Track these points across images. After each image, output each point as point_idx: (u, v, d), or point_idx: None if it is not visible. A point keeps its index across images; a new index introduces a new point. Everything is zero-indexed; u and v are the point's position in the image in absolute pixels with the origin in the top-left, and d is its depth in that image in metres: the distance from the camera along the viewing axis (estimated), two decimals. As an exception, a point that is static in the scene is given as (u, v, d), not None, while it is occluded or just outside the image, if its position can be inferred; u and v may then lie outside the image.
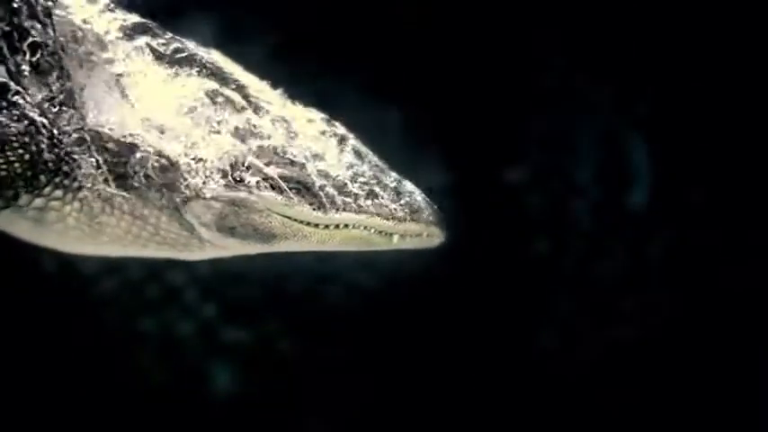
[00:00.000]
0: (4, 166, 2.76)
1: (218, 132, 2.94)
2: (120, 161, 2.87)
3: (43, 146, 2.81)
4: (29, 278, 5.79)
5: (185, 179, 2.89)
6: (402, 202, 3.06)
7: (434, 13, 6.10)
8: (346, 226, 2.98)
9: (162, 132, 2.90)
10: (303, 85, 5.97)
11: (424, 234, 3.08)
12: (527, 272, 6.42)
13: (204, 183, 2.89)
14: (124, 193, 2.89)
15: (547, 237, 6.55)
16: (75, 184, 2.86)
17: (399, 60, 6.08)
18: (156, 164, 2.88)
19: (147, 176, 2.89)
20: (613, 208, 6.59)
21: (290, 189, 2.91)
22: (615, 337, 6.49)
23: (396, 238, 3.04)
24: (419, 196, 3.13)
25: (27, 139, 2.78)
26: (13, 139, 2.77)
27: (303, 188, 2.93)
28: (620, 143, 6.61)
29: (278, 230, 2.94)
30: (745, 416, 6.33)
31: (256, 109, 3.03)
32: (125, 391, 6.08)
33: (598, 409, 6.41)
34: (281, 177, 2.92)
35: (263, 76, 3.30)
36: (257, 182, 2.91)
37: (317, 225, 2.96)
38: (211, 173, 2.89)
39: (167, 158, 2.88)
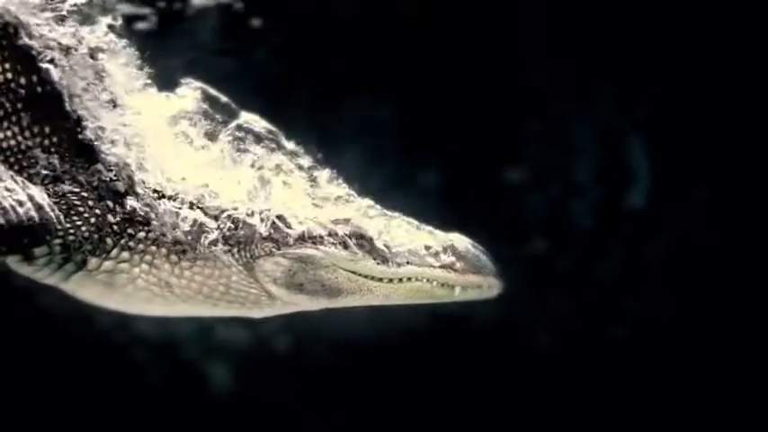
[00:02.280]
0: (71, 231, 2.87)
1: (281, 195, 3.05)
2: (186, 223, 2.97)
3: (109, 210, 2.92)
4: (28, 278, 5.80)
5: (254, 238, 2.98)
6: (461, 254, 3.13)
7: (434, 13, 6.11)
8: (409, 279, 3.07)
9: (226, 194, 3.00)
10: (303, 82, 6.00)
11: (484, 285, 3.16)
12: (526, 271, 6.43)
13: (272, 241, 2.99)
14: (193, 254, 2.98)
15: (546, 236, 6.56)
16: (142, 246, 2.95)
17: (399, 60, 6.08)
18: (223, 225, 2.98)
19: (217, 238, 2.98)
20: (612, 208, 6.60)
21: (354, 245, 3.01)
22: (614, 337, 6.50)
23: (458, 289, 3.12)
24: (475, 249, 3.19)
25: (92, 204, 2.89)
26: (79, 204, 2.88)
27: (367, 243, 3.04)
28: (619, 144, 6.62)
29: (344, 286, 3.03)
30: (746, 416, 6.33)
31: (311, 175, 3.15)
32: (124, 391, 6.08)
33: (597, 408, 6.42)
34: (345, 233, 3.02)
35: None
36: (323, 238, 3.00)
37: (381, 279, 3.05)
38: (278, 231, 2.99)
39: (235, 219, 2.98)
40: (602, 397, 6.41)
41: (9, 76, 2.89)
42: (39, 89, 2.90)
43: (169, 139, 3.03)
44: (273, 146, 3.17)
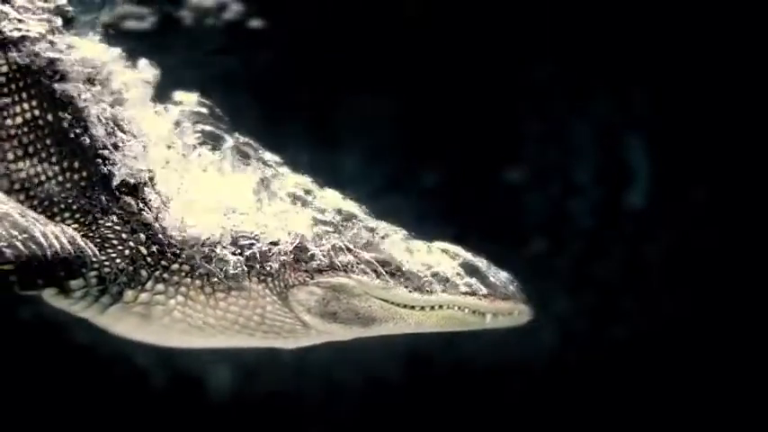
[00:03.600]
0: (106, 263, 2.89)
1: (315, 224, 3.08)
2: (217, 255, 2.99)
3: (141, 242, 2.94)
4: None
5: (287, 268, 3.01)
6: (491, 281, 3.15)
7: (435, 13, 6.11)
8: (441, 307, 3.08)
9: (258, 226, 3.03)
10: (302, 82, 6.00)
11: (515, 312, 3.17)
12: (525, 271, 6.42)
13: (306, 270, 3.01)
14: (226, 285, 3.00)
15: (546, 236, 6.56)
16: (176, 278, 2.98)
17: (399, 60, 6.09)
18: (257, 256, 3.00)
19: (250, 267, 3.00)
20: (612, 208, 6.60)
21: (386, 273, 3.04)
22: (614, 337, 6.50)
23: (489, 317, 3.13)
24: (504, 276, 3.21)
25: (125, 236, 2.93)
26: (112, 236, 2.92)
27: (398, 271, 3.05)
28: (619, 144, 6.63)
29: (377, 314, 3.05)
30: (746, 416, 6.34)
31: (336, 206, 3.18)
32: (124, 395, 6.07)
33: (597, 408, 6.42)
34: (376, 261, 3.04)
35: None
36: (355, 266, 3.03)
37: (413, 307, 3.06)
38: (312, 261, 3.01)
39: (268, 250, 3.01)
40: (602, 397, 6.41)
41: (36, 113, 2.93)
42: (65, 125, 2.94)
43: (189, 168, 3.07)
44: (280, 170, 3.21)
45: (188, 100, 3.20)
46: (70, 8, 3.12)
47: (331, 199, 3.18)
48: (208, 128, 3.19)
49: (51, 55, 2.96)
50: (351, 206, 3.18)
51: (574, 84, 6.42)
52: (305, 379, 6.25)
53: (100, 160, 2.95)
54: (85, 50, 3.05)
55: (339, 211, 3.15)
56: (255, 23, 5.69)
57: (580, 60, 6.34)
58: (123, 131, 3.01)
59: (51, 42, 2.98)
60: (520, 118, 6.50)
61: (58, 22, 3.05)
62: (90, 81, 3.01)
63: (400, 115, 6.19)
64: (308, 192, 3.17)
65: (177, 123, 3.13)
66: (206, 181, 3.06)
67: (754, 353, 6.35)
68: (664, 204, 6.50)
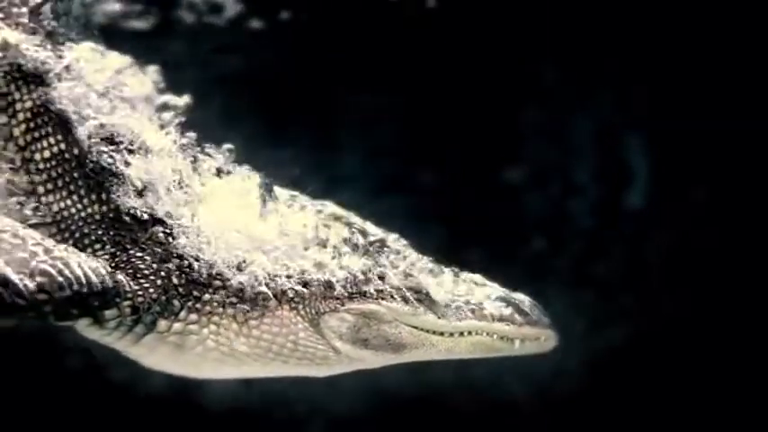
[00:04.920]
0: (139, 293, 2.93)
1: (344, 250, 3.12)
2: (249, 283, 3.02)
3: (173, 272, 2.98)
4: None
5: (318, 295, 3.04)
6: (518, 307, 3.18)
7: (434, 12, 6.11)
8: (470, 333, 3.11)
9: (287, 254, 3.06)
10: (302, 82, 6.00)
11: (542, 338, 3.21)
12: (524, 271, 6.43)
13: (337, 297, 3.05)
14: (259, 313, 3.03)
15: (545, 236, 6.56)
16: (208, 308, 3.01)
17: (398, 59, 6.09)
18: (288, 283, 3.03)
19: (281, 295, 3.03)
20: (611, 208, 6.60)
21: (415, 299, 3.07)
22: (614, 337, 6.50)
23: (517, 342, 3.16)
24: (529, 301, 3.24)
25: (156, 266, 2.96)
26: (143, 267, 2.95)
27: (427, 298, 3.09)
28: (618, 143, 6.63)
29: (407, 340, 3.08)
30: (746, 415, 6.34)
31: (363, 232, 3.21)
32: (122, 399, 6.06)
33: (597, 408, 6.42)
34: (405, 288, 3.07)
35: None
36: (385, 293, 3.06)
37: (442, 333, 3.10)
38: (342, 287, 3.05)
39: (298, 278, 3.04)
40: (602, 397, 6.42)
41: (62, 146, 2.97)
42: (91, 157, 2.98)
43: (214, 195, 3.09)
44: (302, 198, 3.25)
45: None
46: (63, 29, 3.14)
47: (359, 225, 3.22)
48: (220, 153, 3.21)
49: (70, 85, 3.00)
50: (379, 232, 3.22)
51: (574, 83, 6.43)
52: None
53: (127, 191, 2.99)
54: (95, 62, 3.08)
55: (368, 237, 3.18)
56: (255, 24, 5.70)
57: (580, 60, 6.34)
58: (148, 162, 3.04)
59: (68, 69, 3.02)
60: (519, 117, 6.50)
61: (67, 48, 3.08)
62: (112, 111, 3.04)
63: (399, 115, 6.19)
64: (336, 218, 3.20)
65: (186, 146, 3.15)
66: (233, 209, 3.08)
67: (754, 353, 6.36)
68: (663, 204, 6.50)
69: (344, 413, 6.21)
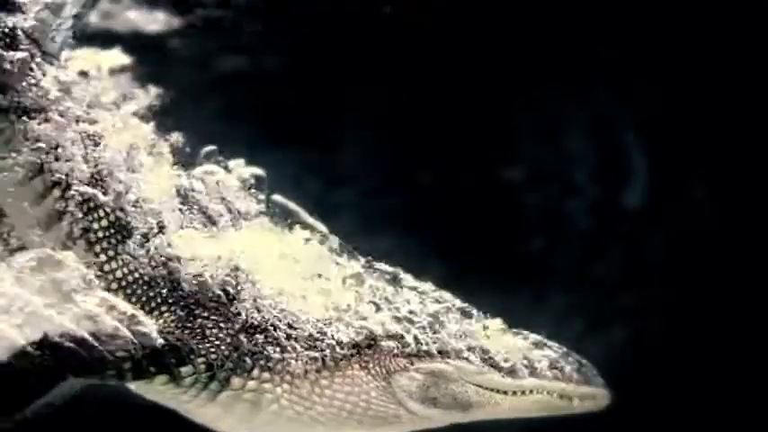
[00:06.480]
0: (212, 350, 2.99)
1: (409, 310, 3.17)
2: (319, 340, 3.07)
3: (240, 331, 3.02)
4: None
5: (388, 354, 3.10)
6: (574, 366, 3.25)
7: (432, 12, 6.11)
8: (531, 392, 3.18)
9: (354, 311, 3.12)
10: (301, 81, 6.00)
11: (598, 396, 3.28)
12: (524, 270, 6.43)
13: (406, 356, 3.10)
14: (329, 372, 3.08)
15: (544, 236, 6.56)
16: (279, 367, 3.05)
17: (396, 59, 6.09)
18: (357, 342, 3.08)
19: (351, 354, 3.08)
20: (610, 207, 6.60)
21: (479, 358, 3.14)
22: (613, 337, 6.50)
23: (576, 401, 3.24)
24: (583, 361, 3.30)
25: (222, 325, 3.01)
26: (211, 325, 3.00)
27: (489, 357, 3.15)
28: (617, 142, 6.63)
29: (474, 399, 3.13)
30: (746, 415, 6.34)
31: (422, 293, 3.26)
32: (121, 403, 6.04)
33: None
34: (468, 348, 3.14)
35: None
36: (450, 352, 3.12)
37: (506, 392, 3.15)
38: (410, 347, 3.10)
39: (367, 336, 3.09)
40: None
41: (117, 214, 3.02)
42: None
43: (271, 249, 3.14)
44: (361, 258, 3.29)
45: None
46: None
47: (422, 286, 3.27)
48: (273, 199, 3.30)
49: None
50: (440, 293, 3.27)
51: (572, 82, 6.43)
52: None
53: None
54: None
55: (430, 296, 3.23)
56: (255, 25, 5.70)
57: (579, 59, 6.34)
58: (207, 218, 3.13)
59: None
60: (517, 117, 6.50)
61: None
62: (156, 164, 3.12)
63: (399, 115, 6.19)
64: (394, 279, 3.25)
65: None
66: (291, 264, 3.13)
67: (754, 353, 6.36)
68: (662, 203, 6.50)
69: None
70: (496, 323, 3.25)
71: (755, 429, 6.34)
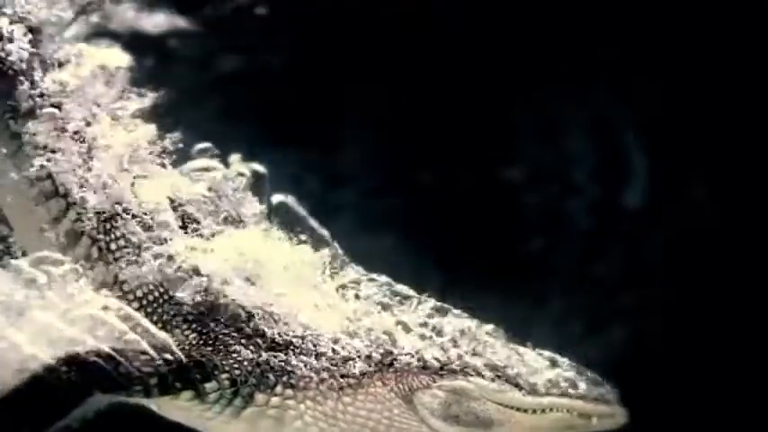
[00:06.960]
0: (235, 365, 2.97)
1: (429, 327, 3.13)
2: (341, 357, 3.04)
3: (261, 347, 3.00)
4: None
5: (410, 371, 3.06)
6: (592, 385, 3.20)
7: (433, 12, 6.11)
8: (551, 410, 3.13)
9: (375, 327, 3.08)
10: (300, 81, 6.00)
11: (616, 415, 3.21)
12: (523, 270, 6.43)
13: (429, 374, 3.06)
14: (352, 389, 3.05)
15: (544, 236, 6.56)
16: (302, 383, 3.02)
17: (396, 58, 6.09)
18: (379, 359, 3.05)
19: (374, 371, 3.05)
20: (610, 207, 6.60)
21: (499, 377, 3.10)
22: (613, 337, 6.50)
23: (594, 420, 3.18)
24: (599, 380, 3.25)
25: (244, 341, 3.00)
26: (232, 342, 2.99)
27: (509, 375, 3.11)
28: (617, 142, 6.63)
29: (495, 416, 3.09)
30: (746, 415, 6.34)
31: (440, 310, 3.23)
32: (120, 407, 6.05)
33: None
34: (487, 365, 3.10)
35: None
36: (471, 370, 3.08)
37: (526, 410, 3.11)
38: (433, 365, 3.07)
39: (389, 353, 3.06)
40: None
41: (131, 229, 3.02)
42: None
43: (290, 262, 3.11)
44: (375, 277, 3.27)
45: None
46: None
47: (440, 304, 3.24)
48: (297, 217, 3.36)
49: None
50: (460, 315, 3.23)
51: (572, 82, 6.43)
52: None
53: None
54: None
55: (450, 313, 3.20)
56: (255, 25, 5.70)
57: (579, 59, 6.34)
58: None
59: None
60: (517, 117, 6.50)
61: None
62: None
63: (399, 115, 6.19)
64: (405, 297, 3.22)
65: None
66: (298, 276, 3.10)
67: (754, 353, 6.36)
68: (662, 203, 6.51)
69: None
70: (516, 340, 3.24)
71: (755, 429, 6.35)
